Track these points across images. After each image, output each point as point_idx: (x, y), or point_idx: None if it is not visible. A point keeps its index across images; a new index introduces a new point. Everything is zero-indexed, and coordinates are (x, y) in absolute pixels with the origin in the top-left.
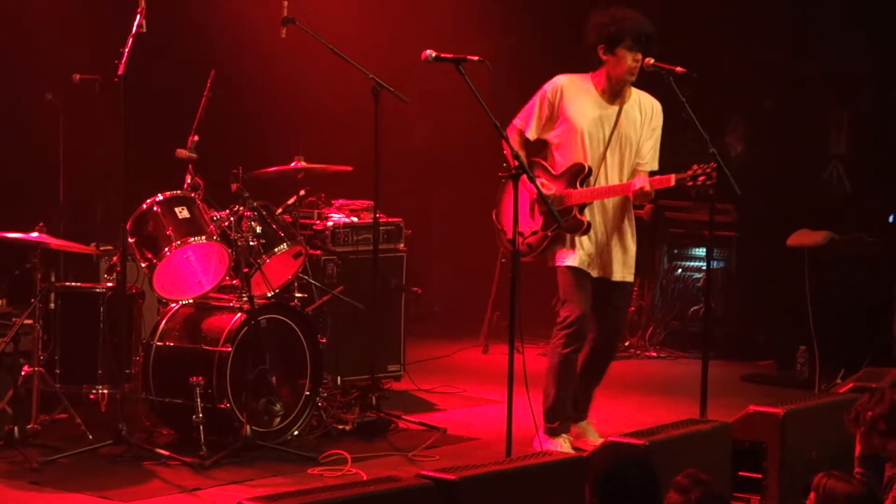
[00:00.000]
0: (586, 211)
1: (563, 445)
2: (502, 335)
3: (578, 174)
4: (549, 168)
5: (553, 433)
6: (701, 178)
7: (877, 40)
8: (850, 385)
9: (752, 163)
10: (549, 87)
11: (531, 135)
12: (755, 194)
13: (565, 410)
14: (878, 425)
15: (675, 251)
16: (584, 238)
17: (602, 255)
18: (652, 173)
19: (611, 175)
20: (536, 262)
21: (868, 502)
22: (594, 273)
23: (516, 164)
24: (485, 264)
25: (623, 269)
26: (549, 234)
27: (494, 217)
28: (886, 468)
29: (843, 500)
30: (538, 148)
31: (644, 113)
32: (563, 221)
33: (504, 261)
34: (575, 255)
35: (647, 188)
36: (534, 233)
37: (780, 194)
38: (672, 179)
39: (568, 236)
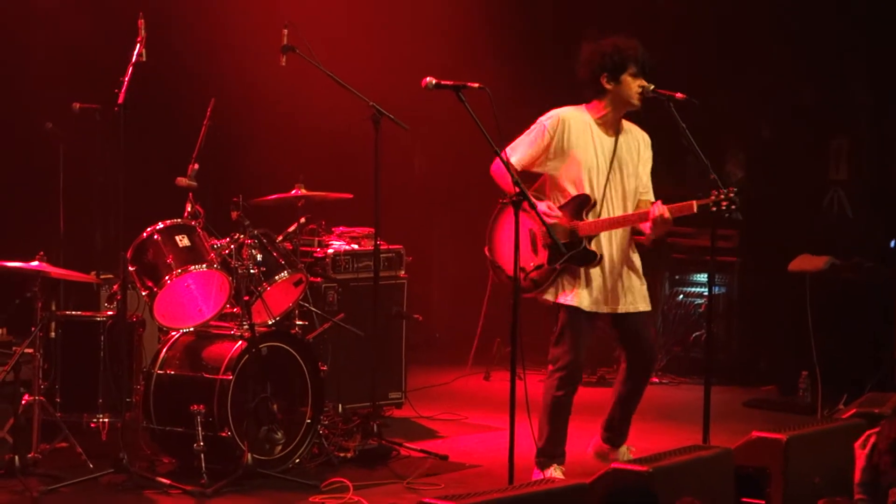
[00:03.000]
0: (595, 241)
1: (552, 474)
2: (504, 362)
3: (583, 206)
4: (548, 202)
5: (543, 466)
6: (724, 204)
7: (875, 66)
8: (853, 410)
9: (754, 189)
10: (548, 120)
11: (520, 166)
12: (757, 220)
13: (556, 448)
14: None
15: (677, 277)
16: (595, 273)
17: (617, 288)
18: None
19: (615, 206)
20: (536, 297)
21: None
22: (606, 309)
23: (517, 190)
24: (486, 291)
25: (640, 300)
26: (558, 267)
27: (487, 252)
28: (891, 494)
29: None
30: (529, 181)
31: (641, 143)
32: (572, 254)
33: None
34: (576, 295)
35: (667, 215)
36: (538, 267)
37: (782, 220)
38: (694, 206)
39: (577, 270)
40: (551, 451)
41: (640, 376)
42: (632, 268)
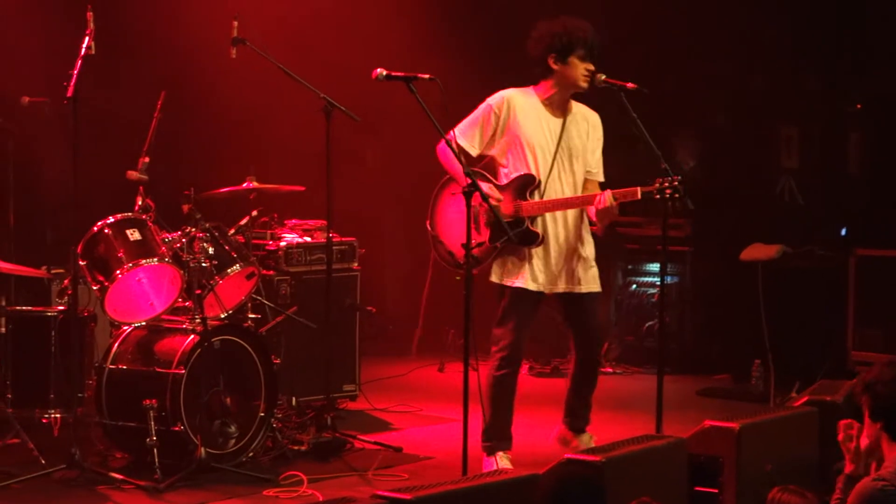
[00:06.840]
0: (539, 222)
1: (498, 463)
2: (458, 353)
3: (527, 185)
4: (493, 180)
5: (489, 451)
6: (668, 192)
7: (826, 54)
8: (806, 398)
9: (705, 178)
10: (494, 101)
11: (475, 150)
12: (708, 209)
13: (500, 431)
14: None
15: (630, 267)
16: (542, 253)
17: (565, 269)
18: (601, 186)
19: (562, 187)
20: (478, 272)
21: None
22: (553, 289)
23: (469, 180)
24: (439, 283)
25: (589, 281)
26: (499, 245)
27: (429, 226)
28: (837, 481)
29: None
30: (474, 160)
31: (589, 123)
32: (514, 234)
33: (459, 279)
34: (521, 276)
35: (612, 203)
36: (479, 244)
37: (733, 209)
38: (638, 192)
39: (521, 250)
40: (496, 433)
41: (588, 359)
42: (582, 249)
